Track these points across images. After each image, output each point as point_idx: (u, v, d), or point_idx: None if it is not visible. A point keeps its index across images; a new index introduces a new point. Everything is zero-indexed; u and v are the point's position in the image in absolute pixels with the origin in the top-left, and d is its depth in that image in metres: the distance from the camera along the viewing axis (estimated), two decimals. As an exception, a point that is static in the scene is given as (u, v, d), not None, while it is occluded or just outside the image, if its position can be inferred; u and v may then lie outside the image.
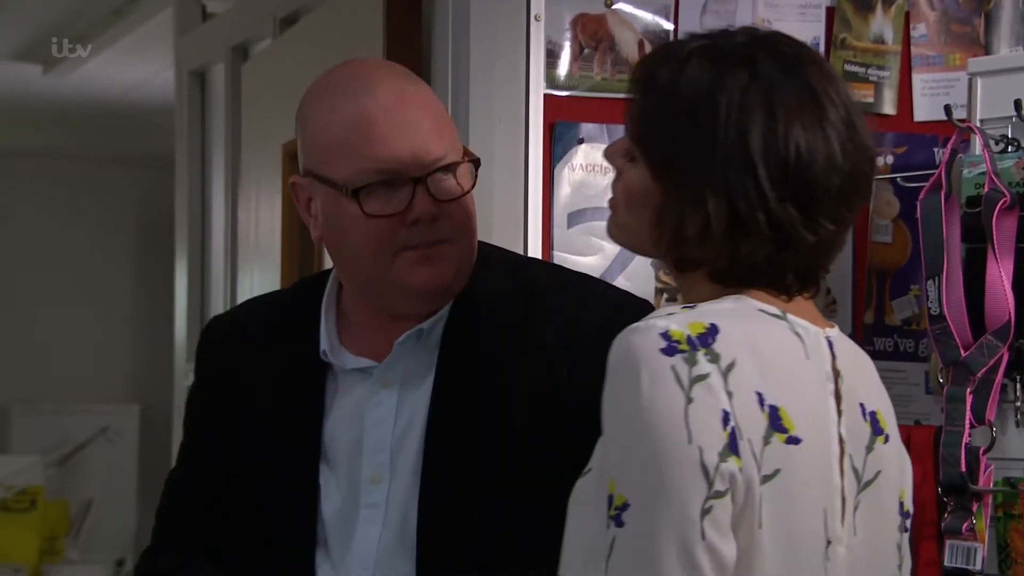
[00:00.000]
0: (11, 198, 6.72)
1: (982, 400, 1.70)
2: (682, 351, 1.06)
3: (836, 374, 1.15)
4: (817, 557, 1.11)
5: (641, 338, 1.07)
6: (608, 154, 1.20)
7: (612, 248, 1.90)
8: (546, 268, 1.56)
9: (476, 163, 1.38)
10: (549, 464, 1.29)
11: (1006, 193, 1.70)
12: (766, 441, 1.08)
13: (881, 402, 1.20)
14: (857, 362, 1.20)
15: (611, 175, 1.97)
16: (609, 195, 1.20)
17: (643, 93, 1.16)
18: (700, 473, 1.04)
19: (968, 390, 1.69)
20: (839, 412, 1.15)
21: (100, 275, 6.23)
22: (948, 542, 1.69)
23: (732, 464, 1.06)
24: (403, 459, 1.34)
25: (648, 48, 1.92)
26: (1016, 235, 1.71)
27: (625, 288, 1.91)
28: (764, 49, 1.14)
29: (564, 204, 1.89)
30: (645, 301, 1.44)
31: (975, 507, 1.68)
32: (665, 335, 1.07)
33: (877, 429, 1.17)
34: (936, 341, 1.72)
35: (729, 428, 1.06)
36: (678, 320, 1.08)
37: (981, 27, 2.07)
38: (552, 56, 1.89)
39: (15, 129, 6.39)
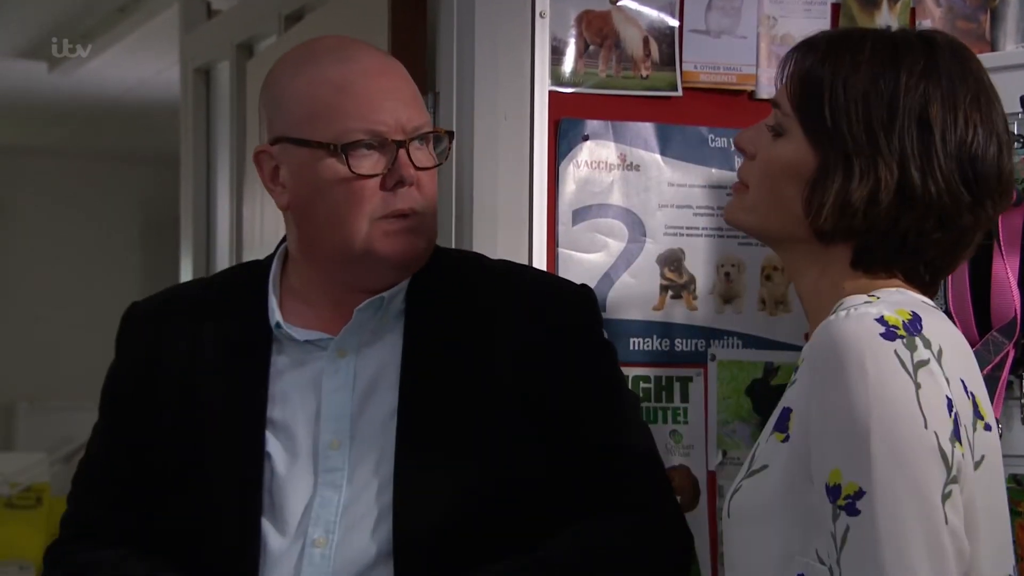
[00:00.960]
0: (16, 196, 6.73)
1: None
2: (901, 336, 1.06)
3: None
4: (1008, 539, 1.12)
5: (857, 324, 1.06)
6: (742, 141, 1.20)
7: (617, 245, 1.90)
8: (479, 255, 1.60)
9: (450, 136, 1.43)
10: (518, 424, 1.36)
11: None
12: (974, 427, 1.09)
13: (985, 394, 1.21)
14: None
15: (617, 172, 1.98)
16: (736, 180, 1.20)
17: (809, 62, 1.16)
18: (939, 458, 1.04)
19: (974, 387, 1.69)
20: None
21: (105, 272, 6.24)
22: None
23: (958, 450, 1.06)
24: (365, 423, 1.37)
25: (653, 45, 1.92)
26: (1023, 232, 1.70)
27: (630, 285, 1.92)
28: (939, 37, 1.17)
29: (569, 201, 1.89)
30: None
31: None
32: (881, 320, 1.06)
33: (977, 413, 1.18)
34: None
35: (953, 414, 1.06)
36: (885, 307, 1.08)
37: (987, 23, 2.06)
38: (557, 53, 1.89)
39: (21, 127, 6.40)
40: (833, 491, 1.05)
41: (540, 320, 1.41)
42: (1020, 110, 1.76)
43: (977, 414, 1.10)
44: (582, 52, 1.90)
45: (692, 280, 1.92)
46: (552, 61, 1.89)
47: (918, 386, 1.05)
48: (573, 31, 1.90)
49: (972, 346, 1.67)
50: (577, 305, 1.45)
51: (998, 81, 1.82)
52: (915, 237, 1.13)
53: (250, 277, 1.46)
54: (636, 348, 1.90)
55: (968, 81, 1.14)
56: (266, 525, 1.36)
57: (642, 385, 1.89)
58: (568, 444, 1.37)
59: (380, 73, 1.38)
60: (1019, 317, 1.68)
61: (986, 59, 1.86)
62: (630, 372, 1.89)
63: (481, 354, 1.39)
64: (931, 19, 2.05)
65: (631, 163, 1.91)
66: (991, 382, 1.69)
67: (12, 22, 4.33)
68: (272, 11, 2.73)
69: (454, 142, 1.44)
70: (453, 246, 1.91)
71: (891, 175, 1.11)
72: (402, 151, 1.36)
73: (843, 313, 1.08)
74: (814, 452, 1.06)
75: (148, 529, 1.40)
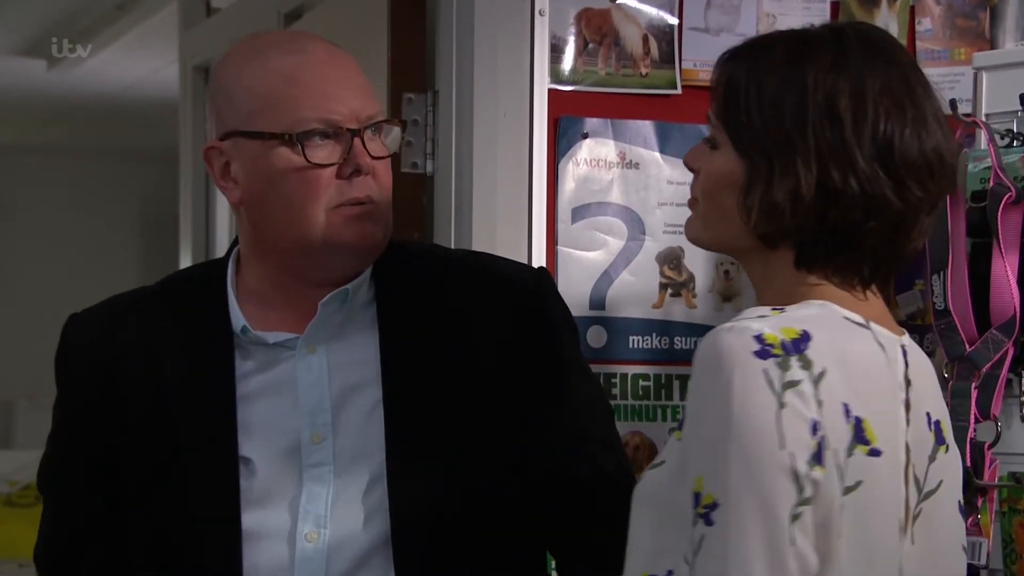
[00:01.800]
0: (16, 194, 6.72)
1: (987, 395, 1.69)
2: (775, 355, 1.06)
3: (907, 383, 1.16)
4: (893, 567, 1.12)
5: (734, 339, 1.07)
6: (688, 158, 1.22)
7: (616, 243, 1.90)
8: (440, 247, 1.60)
9: (403, 125, 1.43)
10: (498, 410, 1.38)
11: (1011, 188, 1.69)
12: (849, 452, 1.08)
13: (943, 411, 1.21)
14: (926, 370, 1.20)
15: (616, 170, 1.98)
16: (688, 197, 1.21)
17: (728, 71, 1.17)
18: (791, 478, 1.05)
19: (973, 385, 1.69)
20: (907, 421, 1.15)
21: (104, 269, 6.24)
22: (953, 537, 1.69)
23: (817, 473, 1.06)
24: (346, 416, 1.36)
25: (652, 43, 1.92)
26: (1022, 230, 1.70)
27: (630, 283, 1.91)
28: (846, 27, 1.18)
29: (568, 199, 1.89)
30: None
31: (980, 502, 1.68)
32: (759, 338, 1.07)
33: (940, 438, 1.18)
34: (941, 336, 1.72)
35: (817, 437, 1.06)
36: (771, 324, 1.08)
37: (986, 21, 2.06)
38: (556, 51, 1.89)
39: (20, 125, 6.40)
40: (696, 498, 1.07)
41: (500, 307, 1.42)
42: (1020, 108, 1.76)
43: (861, 439, 1.09)
44: (581, 50, 1.90)
45: (691, 278, 1.92)
46: (551, 59, 1.88)
47: (781, 406, 1.05)
48: (572, 29, 1.90)
49: (971, 344, 1.69)
50: (532, 289, 1.45)
51: (997, 79, 1.82)
52: (847, 230, 1.13)
53: (201, 281, 1.44)
54: (635, 346, 1.90)
55: (877, 70, 1.14)
56: (253, 529, 1.34)
57: (642, 383, 1.89)
58: (536, 429, 1.39)
59: (331, 62, 1.37)
60: (1018, 315, 1.68)
61: (985, 57, 1.87)
62: (629, 370, 1.89)
63: (455, 342, 1.39)
64: (930, 17, 2.05)
65: (630, 161, 1.91)
66: (991, 380, 1.69)
67: (11, 20, 4.33)
68: (271, 9, 2.73)
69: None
70: (452, 244, 1.91)
71: (809, 172, 1.11)
72: (357, 140, 1.34)
73: (728, 325, 1.09)
74: (688, 456, 1.09)
75: (122, 556, 1.39)
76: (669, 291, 1.91)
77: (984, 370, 1.68)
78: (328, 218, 1.34)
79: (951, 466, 1.19)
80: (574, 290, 1.87)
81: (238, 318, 1.38)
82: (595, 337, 1.89)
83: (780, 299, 1.16)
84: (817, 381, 1.07)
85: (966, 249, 1.73)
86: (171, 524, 1.36)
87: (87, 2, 4.32)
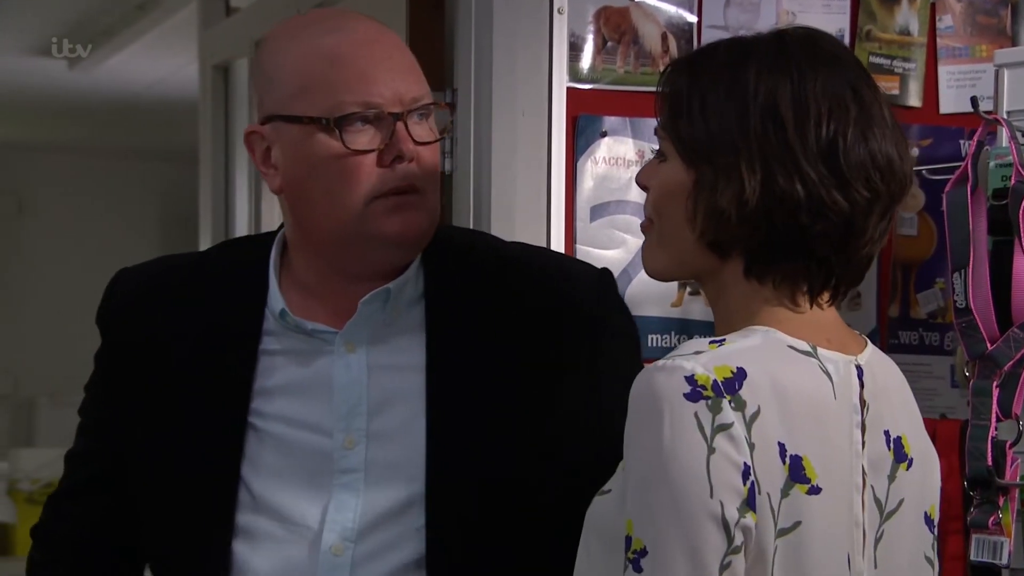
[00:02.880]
0: (37, 192, 6.76)
1: (1009, 394, 1.68)
2: (707, 397, 1.04)
3: (863, 404, 1.13)
4: None
5: (666, 379, 1.05)
6: (639, 176, 1.19)
7: (635, 241, 1.90)
8: (493, 237, 1.50)
9: (452, 108, 1.36)
10: (543, 422, 1.29)
11: (1033, 185, 1.68)
12: (784, 494, 1.06)
13: (908, 423, 1.18)
14: (886, 385, 1.17)
15: (635, 169, 1.97)
16: (642, 220, 1.18)
17: (672, 82, 1.16)
18: (720, 527, 1.03)
19: (994, 383, 1.68)
20: (863, 443, 1.13)
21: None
22: (974, 536, 1.68)
23: (749, 519, 1.04)
24: (383, 424, 1.29)
25: (672, 41, 1.92)
26: (1043, 228, 1.69)
27: (648, 282, 1.91)
28: (789, 31, 1.16)
29: (587, 198, 1.89)
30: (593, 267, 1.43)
31: (1001, 501, 1.67)
32: (690, 379, 1.04)
33: (901, 455, 1.16)
34: (962, 334, 1.71)
35: (749, 483, 1.04)
36: (704, 362, 1.06)
37: (1008, 18, 2.05)
38: (575, 49, 1.89)
39: (41, 124, 6.43)
40: (627, 541, 1.04)
41: (558, 312, 1.33)
42: (1041, 105, 1.75)
43: (799, 478, 1.06)
44: (600, 48, 1.90)
45: (710, 276, 1.92)
46: (570, 57, 1.88)
47: (711, 451, 1.03)
48: (591, 27, 1.90)
49: (992, 343, 1.68)
50: (594, 294, 1.37)
51: (1019, 76, 1.81)
52: (795, 234, 1.10)
53: (247, 258, 1.36)
54: (654, 344, 1.89)
55: (820, 72, 1.11)
56: (270, 532, 1.28)
57: (660, 382, 1.89)
58: (584, 445, 1.30)
59: (374, 42, 1.30)
60: (1040, 313, 1.67)
61: (1007, 54, 1.86)
62: (648, 369, 1.88)
63: (507, 350, 1.30)
64: (951, 14, 2.04)
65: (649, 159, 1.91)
66: (1012, 379, 1.68)
67: (32, 20, 4.35)
68: (290, 8, 2.72)
69: (456, 115, 1.38)
70: (471, 243, 1.90)
71: (754, 175, 1.09)
72: (400, 124, 1.27)
73: (662, 363, 1.06)
74: (624, 495, 1.07)
75: (126, 518, 1.36)
76: (688, 289, 1.91)
77: (1006, 368, 1.67)
78: (369, 208, 1.27)
79: (914, 481, 1.17)
80: (593, 288, 1.87)
81: (277, 301, 1.31)
82: (614, 335, 1.89)
83: (728, 312, 1.13)
84: (750, 422, 1.05)
85: (987, 247, 1.72)
86: (165, 514, 1.32)
87: (108, 2, 4.34)
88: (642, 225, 1.19)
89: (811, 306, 1.14)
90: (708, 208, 1.11)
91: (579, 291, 1.35)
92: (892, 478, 1.15)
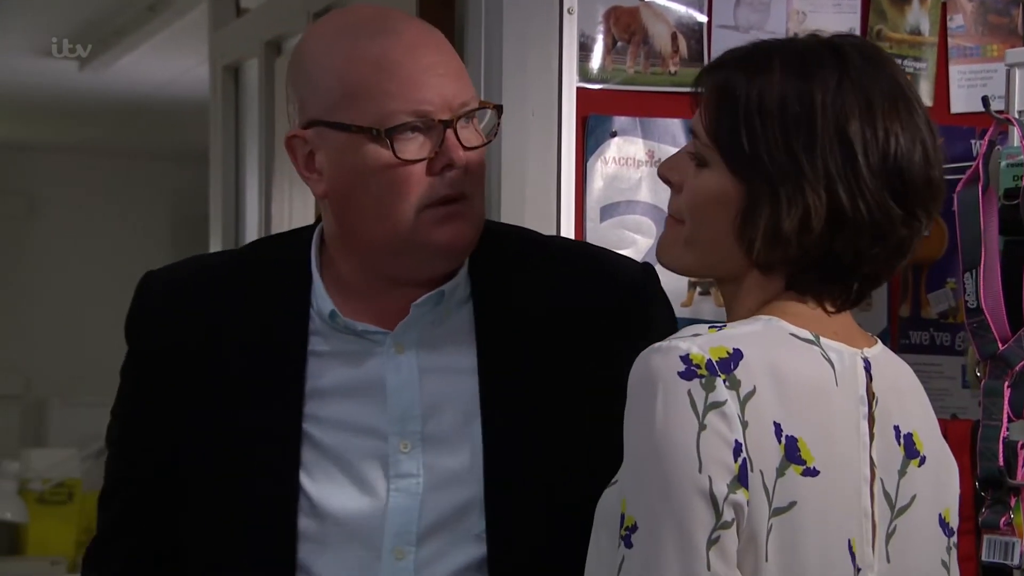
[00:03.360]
0: (48, 193, 6.78)
1: (1020, 394, 1.68)
2: (700, 376, 1.05)
3: (871, 397, 1.13)
4: None
5: (661, 359, 1.06)
6: (666, 168, 1.16)
7: (646, 241, 1.90)
8: (534, 232, 1.45)
9: (499, 110, 1.31)
10: (593, 423, 1.26)
11: (1045, 185, 1.68)
12: (780, 473, 1.06)
13: (921, 421, 1.18)
14: (896, 382, 1.17)
15: (645, 169, 1.96)
16: (667, 214, 1.17)
17: (722, 84, 1.12)
18: (708, 503, 1.03)
19: (1006, 384, 1.67)
20: (871, 436, 1.13)
21: (135, 268, 6.26)
22: (986, 537, 1.68)
23: (740, 495, 1.04)
24: (437, 427, 1.26)
25: (681, 40, 1.92)
26: (1055, 228, 1.69)
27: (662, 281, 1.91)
28: (848, 44, 1.13)
29: (597, 198, 1.89)
30: (648, 264, 1.39)
31: (1013, 501, 1.67)
32: (685, 358, 1.05)
33: (912, 452, 1.15)
34: (973, 334, 1.70)
35: (740, 459, 1.04)
36: (700, 343, 1.06)
37: (1019, 18, 2.04)
38: (585, 49, 1.89)
39: (52, 124, 6.45)
40: (621, 519, 1.05)
41: (604, 309, 1.31)
42: (1052, 105, 1.75)
43: (794, 459, 1.06)
44: (610, 48, 1.90)
45: (721, 276, 1.92)
46: (580, 57, 1.88)
47: (702, 427, 1.04)
48: (601, 27, 1.90)
49: (1003, 343, 1.68)
50: (639, 292, 1.34)
51: (1030, 76, 1.80)
52: (851, 257, 1.10)
53: (285, 256, 1.32)
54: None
55: (883, 88, 1.10)
56: (331, 538, 1.24)
57: (670, 382, 1.89)
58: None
59: (423, 46, 1.25)
60: (1052, 314, 1.66)
61: (1018, 53, 1.85)
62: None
63: (557, 350, 1.28)
64: (963, 13, 2.03)
65: (659, 159, 1.90)
66: (1023, 379, 1.67)
67: (42, 21, 4.36)
68: (300, 8, 2.74)
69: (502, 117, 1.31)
70: (481, 243, 1.90)
71: (819, 200, 1.07)
72: (449, 132, 1.24)
73: (658, 344, 1.07)
74: (621, 478, 1.08)
75: (174, 538, 1.30)
76: (698, 289, 1.91)
77: (1017, 368, 1.67)
78: (419, 218, 1.24)
79: (927, 480, 1.16)
80: (603, 289, 1.87)
81: (326, 301, 1.28)
82: (624, 336, 1.89)
83: (745, 313, 1.13)
84: (744, 401, 1.05)
85: (999, 247, 1.72)
86: (223, 524, 1.27)
87: (118, 3, 4.35)
88: (667, 220, 1.17)
89: (833, 312, 1.14)
90: (769, 231, 1.09)
91: (624, 287, 1.33)
92: (903, 473, 1.14)
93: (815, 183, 1.08)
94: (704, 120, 1.12)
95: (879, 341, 1.18)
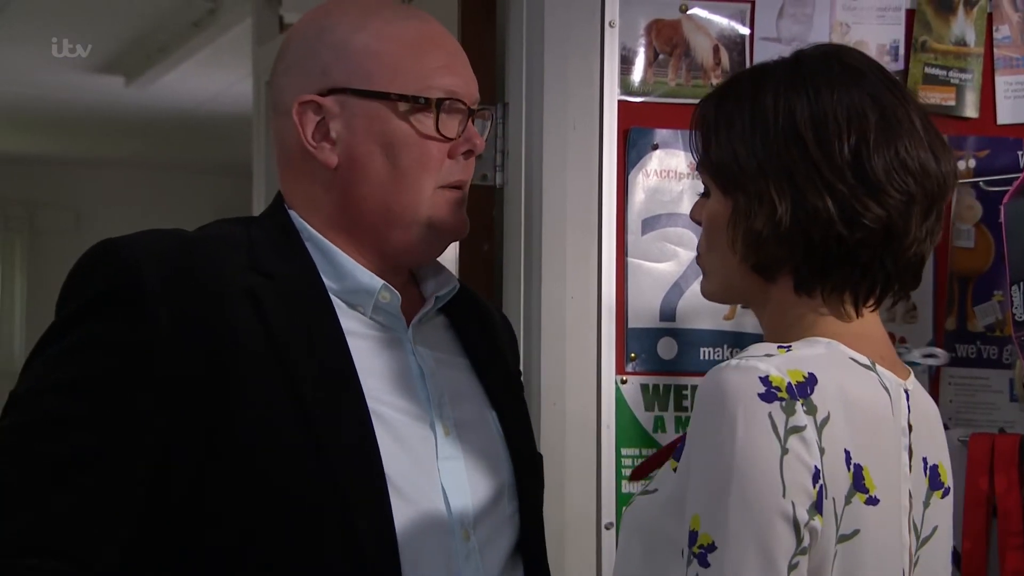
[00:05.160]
0: (95, 206, 6.86)
1: (1069, 409, 1.66)
2: (781, 399, 1.05)
3: (910, 428, 1.15)
4: None
5: (740, 378, 1.06)
6: (693, 215, 1.22)
7: (687, 254, 1.89)
8: None
9: (492, 122, 1.39)
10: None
11: (1093, 197, 1.66)
12: (847, 501, 1.07)
13: (942, 453, 1.19)
14: (927, 413, 1.19)
15: (687, 181, 1.97)
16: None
17: (702, 117, 1.18)
18: (791, 528, 1.03)
19: (1054, 398, 1.65)
20: (910, 468, 1.14)
21: (180, 282, 6.33)
22: (1034, 554, 1.66)
23: (817, 522, 1.05)
24: (462, 413, 1.29)
25: (724, 53, 1.91)
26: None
27: (700, 294, 1.91)
28: (807, 50, 1.18)
29: (638, 210, 1.88)
30: None
31: (1061, 518, 1.64)
32: (765, 379, 1.05)
33: (936, 483, 1.17)
34: (1021, 348, 1.68)
35: (819, 486, 1.05)
36: (777, 364, 1.07)
37: (1066, 27, 2.02)
38: (626, 62, 1.89)
39: (98, 139, 6.53)
40: (692, 536, 1.05)
41: (499, 316, 1.45)
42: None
43: (860, 487, 1.07)
44: (651, 61, 1.89)
45: (763, 289, 1.91)
46: (621, 70, 1.88)
47: (784, 452, 1.04)
48: (643, 40, 1.89)
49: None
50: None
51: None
52: (836, 245, 1.11)
53: (261, 236, 1.25)
54: (707, 358, 1.88)
55: (835, 85, 1.12)
56: (409, 520, 1.19)
57: (713, 395, 1.88)
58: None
59: (449, 37, 1.30)
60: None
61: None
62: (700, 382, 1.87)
63: (499, 346, 1.39)
64: (1008, 24, 2.01)
65: (701, 172, 1.90)
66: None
67: (89, 38, 4.42)
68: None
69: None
70: (522, 256, 1.91)
71: (783, 195, 1.11)
72: (471, 119, 1.28)
73: (735, 362, 1.07)
74: (687, 491, 1.07)
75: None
76: (740, 305, 1.90)
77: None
78: (435, 196, 1.26)
79: (947, 511, 1.18)
80: (644, 302, 1.87)
81: (374, 279, 1.25)
82: (666, 349, 1.88)
83: (780, 329, 1.15)
84: (821, 427, 1.06)
85: (1047, 259, 1.70)
86: (295, 514, 1.13)
87: (163, 19, 4.40)
88: (696, 259, 1.22)
89: (857, 314, 1.15)
90: (745, 233, 1.13)
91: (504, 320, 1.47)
92: (927, 504, 1.16)
93: (777, 180, 1.11)
94: (694, 149, 1.19)
95: (912, 372, 1.19)
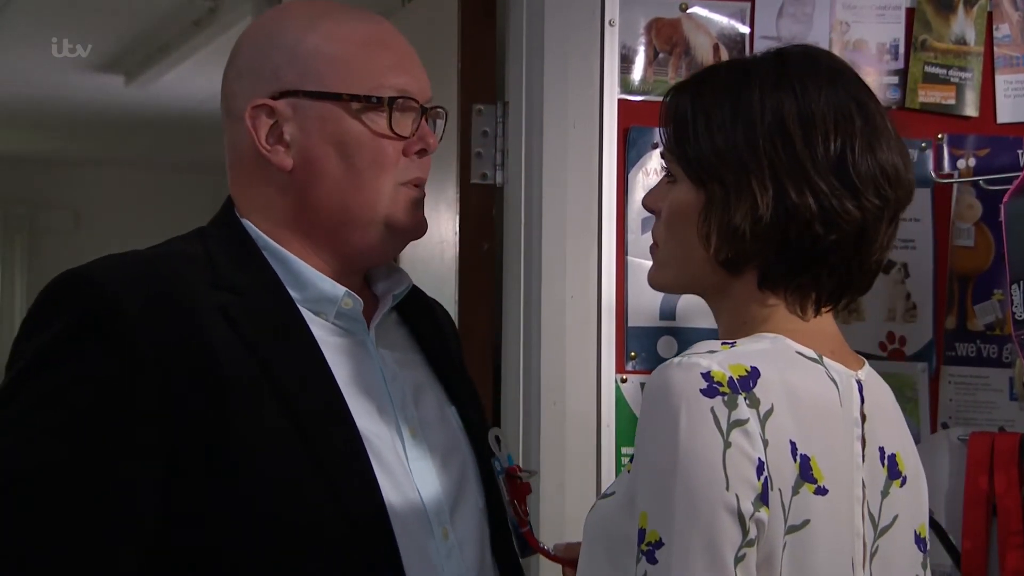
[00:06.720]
0: (94, 205, 6.86)
1: (1069, 407, 1.66)
2: (723, 393, 1.05)
3: (862, 418, 1.15)
4: None
5: (683, 375, 1.06)
6: (647, 199, 1.21)
7: (687, 253, 1.89)
8: None
9: (446, 117, 1.35)
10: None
11: (1093, 195, 1.66)
12: (795, 491, 1.07)
13: (901, 442, 1.19)
14: (882, 403, 1.19)
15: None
16: (650, 243, 1.20)
17: (675, 104, 1.18)
18: (736, 520, 1.04)
19: (1054, 397, 1.65)
20: (863, 457, 1.14)
21: (180, 281, 6.33)
22: (1034, 552, 1.66)
23: (763, 513, 1.05)
24: (424, 412, 1.29)
25: (724, 52, 1.91)
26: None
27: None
28: (787, 49, 1.18)
29: (638, 209, 1.88)
30: None
31: (1061, 517, 1.65)
32: (707, 375, 1.06)
33: (894, 472, 1.17)
34: (1021, 346, 1.68)
35: (763, 478, 1.05)
36: (720, 360, 1.07)
37: (1066, 26, 2.02)
38: (626, 61, 1.89)
39: (98, 139, 6.53)
40: (640, 533, 1.05)
41: (441, 309, 1.45)
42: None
43: (807, 477, 1.07)
44: (651, 60, 1.90)
45: (763, 288, 1.90)
46: (621, 69, 1.88)
47: (727, 445, 1.04)
48: (643, 39, 1.89)
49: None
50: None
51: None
52: (809, 246, 1.11)
53: (217, 248, 1.27)
54: (707, 357, 1.88)
55: (822, 85, 1.13)
56: (397, 524, 1.20)
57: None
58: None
59: (400, 36, 1.30)
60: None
61: (1066, 62, 1.83)
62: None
63: (446, 339, 1.39)
64: (1008, 23, 2.01)
65: (701, 171, 1.90)
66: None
67: (89, 38, 4.42)
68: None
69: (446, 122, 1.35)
70: (522, 254, 1.91)
71: (765, 191, 1.10)
72: (425, 118, 1.28)
73: (678, 360, 1.08)
74: (636, 490, 1.07)
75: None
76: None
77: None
78: (393, 195, 1.26)
79: (907, 499, 1.17)
80: (644, 301, 1.87)
81: (336, 287, 1.25)
82: (666, 348, 1.88)
83: (735, 324, 1.15)
84: (764, 419, 1.06)
85: (1046, 258, 1.70)
86: (296, 527, 1.14)
87: (164, 19, 4.40)
88: (650, 248, 1.21)
89: (816, 314, 1.15)
90: (722, 226, 1.12)
91: (445, 312, 1.46)
92: (885, 494, 1.16)
93: (760, 175, 1.11)
94: (665, 137, 1.18)
95: (866, 362, 1.19)
